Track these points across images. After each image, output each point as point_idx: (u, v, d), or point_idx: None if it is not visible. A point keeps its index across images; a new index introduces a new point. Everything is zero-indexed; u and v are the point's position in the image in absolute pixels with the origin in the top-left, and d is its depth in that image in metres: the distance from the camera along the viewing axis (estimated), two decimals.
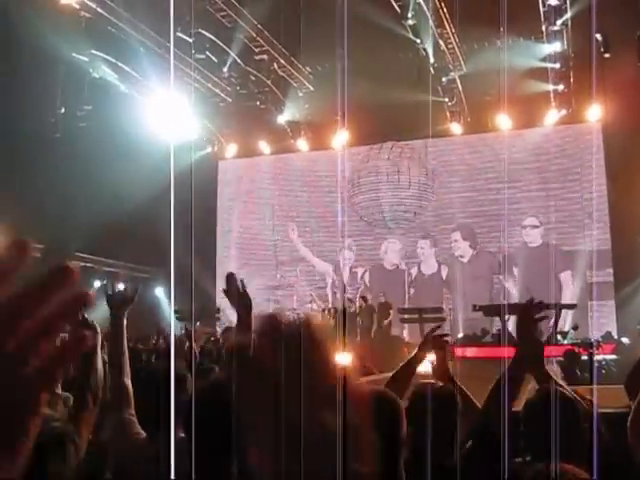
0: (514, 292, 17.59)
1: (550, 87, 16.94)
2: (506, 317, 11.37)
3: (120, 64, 16.32)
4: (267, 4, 14.90)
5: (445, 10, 14.82)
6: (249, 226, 21.04)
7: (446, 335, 3.82)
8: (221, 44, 16.47)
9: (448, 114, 18.25)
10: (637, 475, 2.39)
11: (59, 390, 5.09)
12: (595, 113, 16.92)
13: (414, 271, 19.30)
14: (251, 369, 0.86)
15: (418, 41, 15.73)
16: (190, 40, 15.06)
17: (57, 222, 16.13)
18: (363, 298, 17.12)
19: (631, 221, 15.71)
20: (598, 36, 13.88)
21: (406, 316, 16.67)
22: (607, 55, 14.39)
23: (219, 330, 14.60)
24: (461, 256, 18.87)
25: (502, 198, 17.35)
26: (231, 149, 20.99)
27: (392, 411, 2.16)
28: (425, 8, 14.56)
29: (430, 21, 14.99)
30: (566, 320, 15.50)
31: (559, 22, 15.15)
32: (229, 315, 14.57)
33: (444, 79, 17.22)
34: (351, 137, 18.48)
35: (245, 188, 21.21)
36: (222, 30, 16.07)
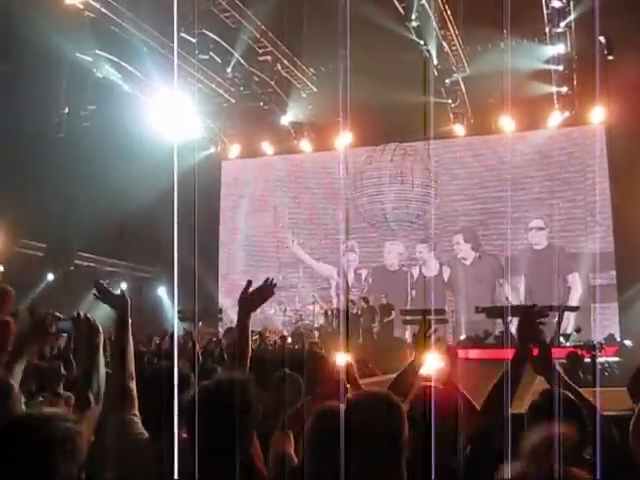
0: (518, 294, 17.57)
1: (553, 89, 16.92)
2: (509, 319, 11.37)
3: (124, 64, 16.34)
4: (271, 5, 14.91)
5: (449, 12, 14.81)
6: (252, 227, 21.03)
7: (435, 332, 3.74)
8: (225, 45, 16.48)
9: (451, 116, 18.25)
10: None
11: (61, 390, 5.10)
12: (598, 115, 16.90)
13: (416, 273, 19.28)
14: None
15: (421, 43, 15.72)
16: (194, 40, 15.07)
17: (60, 222, 16.17)
18: (365, 300, 17.13)
19: (634, 223, 15.67)
20: (602, 38, 13.85)
21: (408, 318, 16.65)
22: (610, 57, 14.37)
23: (221, 330, 14.61)
24: (464, 258, 18.84)
25: (505, 200, 17.34)
26: (234, 149, 20.99)
27: (394, 414, 2.16)
28: (429, 10, 14.56)
29: (434, 23, 14.99)
30: (569, 322, 15.48)
31: (563, 24, 15.12)
32: (231, 315, 14.59)
33: (447, 81, 17.22)
34: (354, 138, 18.48)
35: (248, 189, 21.20)
36: (226, 31, 16.08)
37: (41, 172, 14.83)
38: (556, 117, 17.60)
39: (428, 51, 16.02)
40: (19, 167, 14.36)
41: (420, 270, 19.27)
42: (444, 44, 15.87)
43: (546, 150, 18.05)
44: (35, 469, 1.70)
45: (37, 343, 3.37)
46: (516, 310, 12.65)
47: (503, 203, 17.58)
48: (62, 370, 5.22)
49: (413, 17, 14.67)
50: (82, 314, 2.99)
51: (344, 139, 18.28)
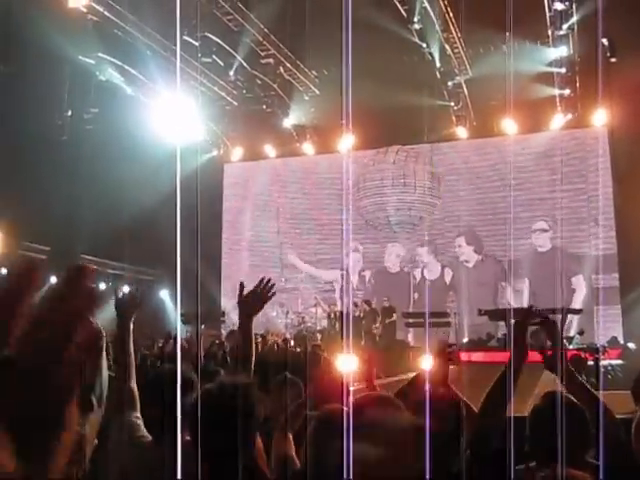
0: (521, 297, 17.54)
1: (556, 91, 16.92)
2: (512, 321, 11.34)
3: (127, 67, 16.37)
4: (273, 8, 14.93)
5: (451, 14, 14.82)
6: (254, 229, 21.04)
7: (452, 345, 3.81)
8: (227, 48, 16.51)
9: (454, 118, 18.24)
10: None
11: None
12: (601, 118, 16.87)
13: (418, 276, 19.27)
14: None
15: (424, 45, 15.73)
16: (196, 43, 15.09)
17: (63, 224, 16.19)
18: (367, 302, 17.11)
19: (637, 226, 15.66)
20: (604, 41, 13.84)
21: (411, 320, 16.65)
22: (613, 60, 14.35)
23: (224, 333, 14.60)
24: (466, 261, 18.82)
25: (508, 202, 17.33)
26: (237, 152, 21.01)
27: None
28: (431, 12, 14.57)
29: (436, 25, 15.00)
30: (572, 325, 15.46)
31: (565, 26, 15.13)
32: (233, 318, 14.57)
33: (450, 83, 17.22)
34: (357, 141, 18.47)
35: (250, 191, 21.22)
36: (228, 34, 16.11)
37: (44, 175, 14.86)
38: (559, 119, 17.59)
39: (430, 54, 16.03)
40: (22, 170, 14.39)
41: (422, 273, 19.25)
42: (446, 46, 15.88)
43: (549, 152, 18.03)
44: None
45: None
46: (519, 313, 12.63)
47: (506, 205, 17.56)
48: None
49: (415, 20, 14.69)
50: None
51: (347, 142, 18.28)
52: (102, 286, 18.91)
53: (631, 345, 14.36)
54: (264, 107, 19.02)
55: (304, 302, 19.14)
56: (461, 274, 18.63)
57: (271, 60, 17.34)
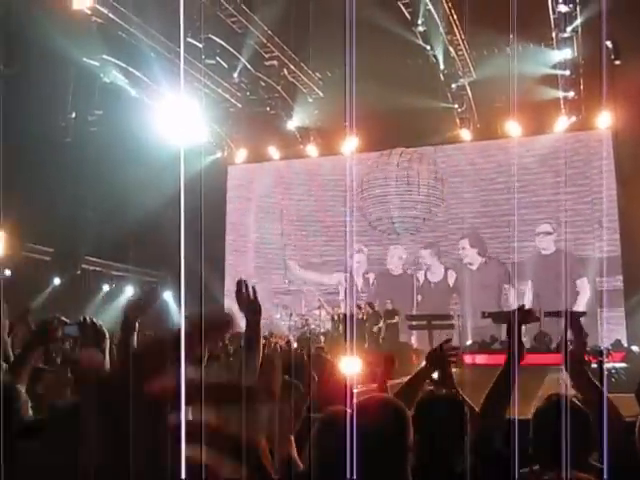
0: (526, 300, 17.51)
1: (560, 94, 16.90)
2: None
3: (131, 69, 16.40)
4: (277, 10, 14.94)
5: (455, 17, 14.83)
6: (258, 231, 21.05)
7: (456, 349, 3.81)
8: (231, 50, 16.53)
9: (458, 120, 18.23)
10: None
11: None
12: (605, 120, 16.86)
13: (421, 278, 19.25)
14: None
15: (428, 47, 15.74)
16: (200, 45, 15.12)
17: (67, 226, 16.22)
18: (370, 305, 17.10)
19: None
20: (608, 43, 13.83)
21: (414, 323, 16.64)
22: (617, 62, 14.35)
23: (227, 335, 14.59)
24: (470, 263, 18.80)
25: (512, 204, 17.30)
26: (241, 154, 21.02)
27: (398, 419, 2.15)
28: (435, 15, 14.57)
29: (440, 28, 15.00)
30: None
31: (569, 29, 15.12)
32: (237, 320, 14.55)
33: (454, 85, 17.21)
34: (361, 143, 18.47)
35: (254, 193, 21.23)
36: (232, 36, 16.12)
37: (48, 177, 14.89)
38: (563, 122, 17.57)
39: (434, 56, 16.03)
40: (26, 171, 14.41)
41: (425, 275, 19.24)
42: (450, 49, 15.88)
43: (553, 155, 18.02)
44: None
45: (43, 347, 3.39)
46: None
47: (510, 208, 17.53)
48: (69, 374, 5.22)
49: (419, 22, 14.69)
50: (88, 319, 3.01)
51: (350, 144, 18.28)
52: (106, 288, 18.97)
53: (635, 348, 14.32)
54: (268, 109, 19.03)
55: (308, 304, 19.13)
56: (465, 276, 18.61)
57: (275, 62, 17.36)
